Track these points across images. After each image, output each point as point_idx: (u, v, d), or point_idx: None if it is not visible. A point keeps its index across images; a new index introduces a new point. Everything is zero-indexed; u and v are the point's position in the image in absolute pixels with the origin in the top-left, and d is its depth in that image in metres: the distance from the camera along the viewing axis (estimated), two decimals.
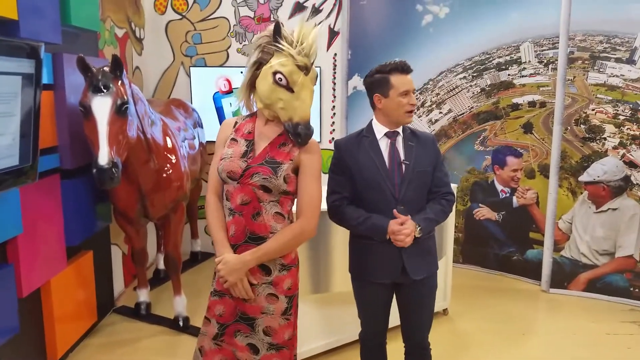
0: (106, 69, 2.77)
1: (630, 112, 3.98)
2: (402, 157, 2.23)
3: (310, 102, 1.94)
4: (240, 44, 4.96)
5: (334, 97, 5.01)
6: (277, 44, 1.89)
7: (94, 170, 2.64)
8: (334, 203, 2.26)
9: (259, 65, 1.95)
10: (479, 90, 4.67)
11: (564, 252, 4.31)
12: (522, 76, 4.44)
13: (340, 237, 2.99)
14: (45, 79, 2.61)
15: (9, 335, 2.51)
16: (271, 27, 1.92)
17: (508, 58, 4.49)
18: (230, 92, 4.91)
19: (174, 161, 3.37)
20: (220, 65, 4.98)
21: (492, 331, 3.65)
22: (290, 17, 4.84)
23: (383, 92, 2.20)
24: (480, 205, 4.78)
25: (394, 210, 2.16)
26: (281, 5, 4.88)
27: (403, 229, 2.12)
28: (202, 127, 4.52)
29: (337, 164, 2.28)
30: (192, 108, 4.50)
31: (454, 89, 4.77)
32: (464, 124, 4.79)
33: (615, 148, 4.05)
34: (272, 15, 4.90)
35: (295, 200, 2.03)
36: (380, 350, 2.46)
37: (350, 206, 2.24)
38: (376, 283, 2.27)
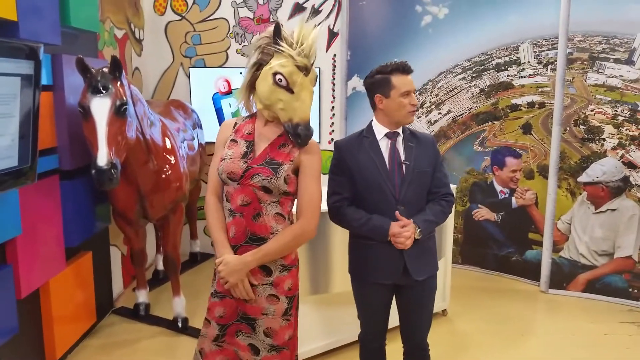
0: (105, 70, 2.77)
1: (629, 112, 3.98)
2: (403, 157, 2.23)
3: (310, 103, 1.94)
4: (240, 44, 4.96)
5: (333, 97, 5.01)
6: (277, 45, 1.89)
7: (93, 171, 2.64)
8: (335, 204, 2.26)
9: (258, 66, 1.95)
10: (478, 91, 4.68)
11: (563, 252, 4.31)
12: (521, 77, 4.44)
13: (339, 237, 3.00)
14: (44, 80, 2.61)
15: (7, 336, 2.51)
16: (271, 28, 1.92)
17: (507, 59, 4.50)
18: (229, 93, 4.91)
19: (173, 162, 3.37)
20: (220, 66, 4.98)
21: (491, 332, 3.65)
22: (289, 18, 4.84)
23: (384, 92, 2.21)
24: (479, 205, 4.79)
25: (396, 213, 2.17)
26: (280, 6, 4.89)
27: (404, 231, 2.13)
28: (201, 128, 4.52)
29: (337, 164, 2.28)
30: (192, 109, 4.50)
31: (453, 89, 4.78)
32: (463, 124, 4.79)
33: (614, 149, 4.05)
34: (271, 16, 4.90)
35: (295, 201, 2.03)
36: (380, 351, 2.46)
37: (350, 207, 2.24)
38: (377, 284, 2.27)
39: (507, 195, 4.64)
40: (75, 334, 3.30)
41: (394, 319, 2.42)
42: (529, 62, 4.39)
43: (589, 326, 3.76)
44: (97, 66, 2.83)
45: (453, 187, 2.43)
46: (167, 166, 3.33)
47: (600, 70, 4.05)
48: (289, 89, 1.88)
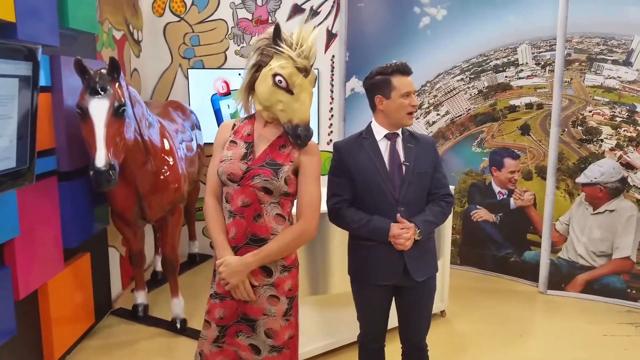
0: (103, 71, 2.77)
1: (627, 114, 3.99)
2: (402, 158, 2.24)
3: (310, 104, 1.95)
4: (238, 46, 4.96)
5: (332, 99, 5.02)
6: (276, 47, 1.90)
7: (91, 173, 2.63)
8: (335, 206, 2.26)
9: (258, 67, 1.96)
10: (477, 92, 4.68)
11: (561, 253, 4.32)
12: (520, 78, 4.45)
13: (338, 238, 3.00)
14: (42, 81, 2.60)
15: (5, 337, 2.50)
16: (270, 29, 1.92)
17: (505, 60, 4.50)
18: (228, 94, 4.91)
19: (171, 163, 3.37)
20: (218, 67, 4.99)
21: (489, 332, 3.65)
22: (288, 19, 4.85)
23: (384, 93, 2.21)
24: (477, 206, 4.79)
25: (398, 215, 2.17)
26: (279, 7, 4.89)
27: (404, 232, 2.14)
28: (199, 129, 4.52)
29: (336, 166, 2.28)
30: (190, 110, 4.50)
31: (451, 90, 4.78)
32: (461, 125, 4.80)
33: (612, 150, 4.06)
34: (269, 18, 4.91)
35: (295, 201, 2.03)
36: (379, 352, 2.46)
37: (350, 208, 2.25)
38: (376, 285, 2.27)
39: (505, 196, 4.64)
40: (74, 335, 3.30)
41: (392, 320, 2.42)
42: (527, 63, 4.40)
43: (587, 327, 3.76)
44: (95, 67, 2.83)
45: (451, 188, 2.44)
46: (165, 167, 3.33)
47: (598, 72, 4.05)
48: (288, 90, 1.89)
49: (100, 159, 2.63)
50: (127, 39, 4.45)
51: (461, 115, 4.79)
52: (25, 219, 2.64)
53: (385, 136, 2.26)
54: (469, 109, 4.74)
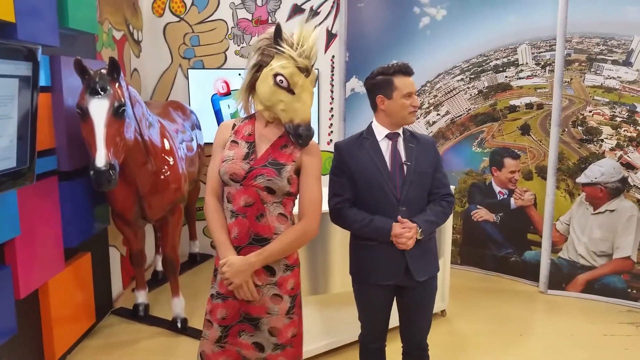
0: (103, 71, 2.77)
1: (627, 114, 3.99)
2: (404, 158, 2.24)
3: (311, 104, 1.95)
4: (238, 46, 4.97)
5: (332, 99, 5.02)
6: (277, 46, 1.90)
7: (91, 172, 2.64)
8: (336, 206, 2.27)
9: (258, 67, 1.96)
10: (477, 92, 4.68)
11: (562, 253, 4.32)
12: (520, 78, 4.45)
13: (338, 238, 3.00)
14: (42, 82, 2.61)
15: (6, 336, 2.51)
16: (271, 29, 1.92)
17: (505, 60, 4.51)
18: (228, 94, 4.91)
19: (171, 163, 3.38)
20: (218, 68, 4.99)
21: (489, 332, 3.65)
22: (288, 20, 4.85)
23: (386, 93, 2.22)
24: (478, 206, 4.79)
25: (399, 217, 2.18)
26: (279, 7, 4.89)
27: (405, 231, 2.14)
28: (200, 129, 4.52)
29: (337, 166, 2.29)
30: (190, 110, 4.50)
31: (451, 90, 4.78)
32: (461, 125, 4.80)
33: (612, 150, 4.06)
34: (269, 18, 4.91)
35: (297, 201, 2.04)
36: (380, 352, 2.46)
37: (352, 208, 2.25)
38: (378, 285, 2.27)
39: (505, 196, 4.64)
40: (75, 334, 3.30)
41: (393, 319, 2.42)
42: (527, 63, 4.40)
43: (587, 327, 3.76)
44: (95, 67, 2.83)
45: (452, 188, 2.44)
46: (165, 167, 3.33)
47: (598, 72, 4.05)
48: (289, 90, 1.89)
49: (101, 158, 2.63)
50: (127, 39, 4.46)
51: (461, 115, 4.79)
52: (25, 218, 2.64)
53: (386, 136, 2.26)
54: (469, 109, 4.74)
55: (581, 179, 4.18)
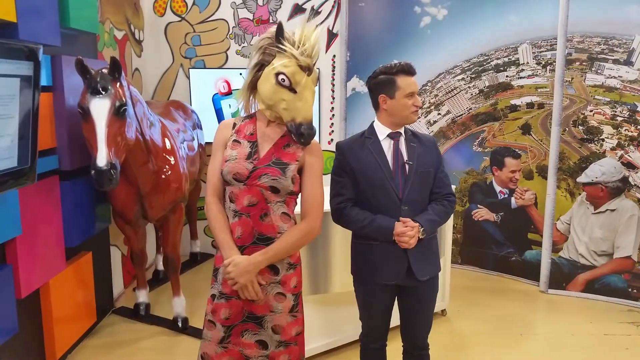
0: (104, 71, 2.78)
1: (628, 113, 3.99)
2: (405, 157, 2.24)
3: (313, 103, 1.95)
4: (240, 45, 4.97)
5: (333, 98, 5.02)
6: (279, 45, 1.90)
7: (93, 172, 2.65)
8: (338, 205, 2.27)
9: (260, 66, 1.95)
10: (477, 92, 4.68)
11: (562, 253, 4.32)
12: (520, 77, 4.45)
13: (339, 238, 3.01)
14: (44, 81, 2.62)
15: (7, 336, 2.52)
16: (272, 29, 1.93)
17: (506, 59, 4.50)
18: (229, 93, 4.92)
19: (172, 163, 3.38)
20: (220, 67, 4.99)
21: (490, 332, 3.65)
22: (289, 19, 4.85)
23: (389, 93, 2.22)
24: (478, 206, 4.79)
25: (401, 218, 2.18)
26: (280, 7, 4.90)
27: (408, 230, 2.14)
28: (201, 128, 4.53)
29: (339, 166, 2.29)
30: (191, 110, 4.50)
31: (452, 90, 4.78)
32: (462, 125, 4.80)
33: (613, 149, 4.06)
34: (270, 17, 4.91)
35: (299, 200, 2.05)
36: (381, 352, 2.46)
37: (354, 208, 2.25)
38: (380, 285, 2.28)
39: (506, 196, 4.64)
40: (76, 333, 3.31)
41: (393, 319, 2.42)
42: (527, 62, 4.40)
43: (588, 326, 3.76)
44: (96, 67, 2.84)
45: (452, 187, 2.45)
46: (166, 167, 3.33)
47: (599, 71, 4.05)
48: (291, 88, 1.89)
49: (102, 158, 2.64)
50: (128, 39, 4.46)
51: (462, 114, 4.79)
52: (27, 218, 2.65)
53: (388, 135, 2.27)
54: (470, 109, 4.74)
55: (582, 178, 4.18)
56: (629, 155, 4.01)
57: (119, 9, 4.25)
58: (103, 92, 2.71)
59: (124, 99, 2.78)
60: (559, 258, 4.33)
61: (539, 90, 4.36)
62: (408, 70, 2.23)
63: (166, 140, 3.39)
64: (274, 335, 2.01)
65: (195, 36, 4.98)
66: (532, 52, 4.35)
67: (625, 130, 4.00)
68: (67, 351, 3.21)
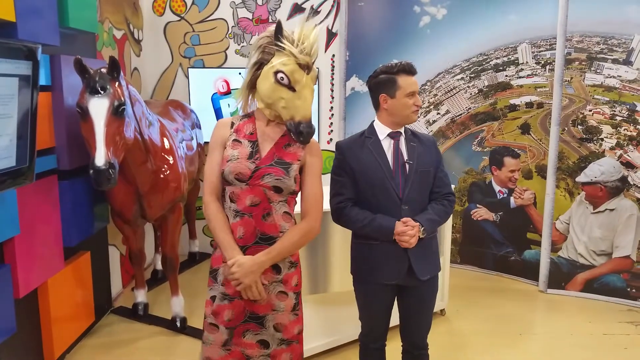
0: (103, 70, 2.77)
1: (627, 112, 3.99)
2: (406, 157, 2.24)
3: (312, 101, 1.94)
4: (239, 45, 4.97)
5: (332, 98, 5.02)
6: (278, 43, 1.89)
7: (91, 171, 2.64)
8: (338, 205, 2.27)
9: (259, 65, 1.95)
10: (477, 91, 4.68)
11: (562, 252, 4.32)
12: (520, 77, 4.45)
13: (338, 237, 3.01)
14: (42, 81, 2.61)
15: (5, 335, 2.51)
16: (271, 27, 1.92)
17: (505, 59, 4.50)
18: (228, 93, 4.92)
19: (171, 162, 3.38)
20: (219, 67, 4.99)
21: (489, 331, 3.65)
22: (288, 19, 4.85)
23: (389, 92, 2.22)
24: (477, 205, 4.79)
25: (403, 219, 2.18)
26: (279, 6, 4.89)
27: (408, 229, 2.14)
28: (200, 128, 4.52)
29: (339, 165, 2.29)
30: (190, 109, 4.50)
31: (451, 90, 4.78)
32: (461, 124, 4.80)
33: (612, 149, 4.06)
34: (270, 17, 4.91)
35: (298, 199, 2.05)
36: (380, 352, 2.46)
37: (354, 208, 2.25)
38: (380, 284, 2.28)
39: (505, 195, 4.64)
40: (74, 333, 3.31)
41: (393, 318, 2.42)
42: (527, 62, 4.40)
43: (587, 326, 3.76)
44: (95, 67, 2.84)
45: (452, 187, 2.45)
46: (165, 166, 3.33)
47: (598, 71, 4.05)
48: (290, 87, 1.88)
49: (100, 157, 2.63)
50: (127, 38, 4.46)
51: (461, 114, 4.79)
52: (25, 217, 2.64)
53: (388, 135, 2.27)
54: (469, 108, 4.74)
55: (581, 178, 4.18)
56: (628, 155, 4.01)
57: (118, 9, 4.24)
58: (102, 92, 2.71)
59: (122, 99, 2.77)
60: (558, 258, 4.33)
61: (538, 89, 4.36)
62: (409, 70, 2.23)
63: (165, 139, 3.39)
64: (276, 334, 2.00)
65: (195, 36, 4.97)
66: (532, 52, 4.35)
67: (625, 129, 4.00)
68: (66, 351, 3.20)
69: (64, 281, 3.12)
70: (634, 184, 4.01)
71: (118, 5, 4.25)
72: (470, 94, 4.71)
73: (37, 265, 2.80)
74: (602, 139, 4.09)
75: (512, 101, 4.51)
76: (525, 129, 4.46)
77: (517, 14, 4.39)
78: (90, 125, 2.68)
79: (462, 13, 4.60)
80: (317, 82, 4.86)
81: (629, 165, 4.02)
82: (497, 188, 4.68)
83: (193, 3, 4.91)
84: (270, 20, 4.90)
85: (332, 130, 5.05)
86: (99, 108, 2.69)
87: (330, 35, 4.94)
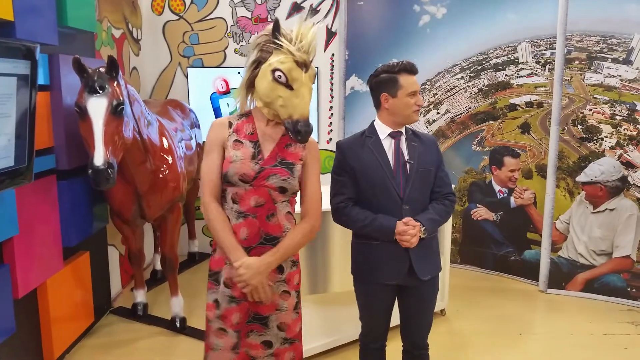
0: (102, 69, 2.77)
1: (627, 112, 3.98)
2: (406, 156, 2.24)
3: (310, 100, 1.93)
4: (238, 44, 4.96)
5: (332, 97, 5.01)
6: (276, 41, 1.88)
7: (90, 171, 2.63)
8: (339, 205, 2.26)
9: (257, 64, 1.94)
10: (477, 91, 4.68)
11: (562, 252, 4.31)
12: (520, 76, 4.44)
13: (338, 237, 3.00)
14: (41, 80, 2.60)
15: (4, 336, 2.51)
16: (270, 26, 1.91)
17: (505, 58, 4.50)
18: (227, 92, 4.91)
19: (170, 162, 3.37)
20: (218, 66, 4.98)
21: (489, 331, 3.65)
22: (287, 18, 4.84)
23: (391, 92, 2.21)
24: (477, 205, 4.78)
25: (404, 219, 2.17)
26: (278, 5, 4.88)
27: (409, 229, 2.13)
28: (199, 127, 4.51)
29: (339, 165, 2.28)
30: (189, 109, 4.49)
31: (451, 89, 4.77)
32: (461, 124, 4.79)
33: (612, 148, 4.05)
34: (269, 16, 4.90)
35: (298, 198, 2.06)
36: (380, 352, 2.46)
37: (355, 207, 2.24)
38: (381, 284, 2.27)
39: (505, 195, 4.64)
40: (73, 333, 3.30)
41: (393, 318, 2.41)
42: (527, 61, 4.39)
43: (587, 325, 3.76)
44: (94, 66, 2.83)
45: (452, 186, 2.44)
46: (164, 166, 3.32)
47: (598, 70, 4.05)
48: (288, 85, 1.87)
49: (99, 157, 2.62)
50: (126, 38, 4.45)
51: (461, 113, 4.78)
52: (24, 217, 2.63)
53: (389, 134, 2.26)
54: (469, 108, 4.74)
55: (581, 177, 4.18)
56: (628, 155, 4.00)
57: (116, 8, 4.23)
58: (100, 91, 2.70)
59: (121, 98, 2.76)
60: (558, 257, 4.33)
61: (538, 89, 4.35)
62: (410, 69, 2.22)
63: (164, 139, 3.38)
64: (279, 333, 2.01)
65: (194, 35, 4.96)
66: (532, 51, 4.35)
67: (625, 129, 4.00)
68: (65, 351, 3.19)
69: (63, 281, 3.11)
70: (634, 184, 4.01)
71: (117, 4, 4.23)
72: (470, 93, 4.71)
73: (36, 266, 2.79)
74: (602, 139, 4.08)
75: (512, 100, 4.51)
76: (525, 128, 4.45)
77: (517, 13, 4.38)
78: (88, 124, 2.67)
79: (461, 12, 4.59)
80: (317, 82, 4.87)
81: (629, 164, 4.01)
82: (497, 188, 4.67)
83: (192, 2, 4.90)
84: (269, 20, 4.89)
85: (331, 130, 5.04)
86: (97, 107, 2.68)
87: (330, 35, 4.93)
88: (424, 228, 2.16)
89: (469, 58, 4.66)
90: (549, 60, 4.25)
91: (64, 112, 2.93)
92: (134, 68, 4.69)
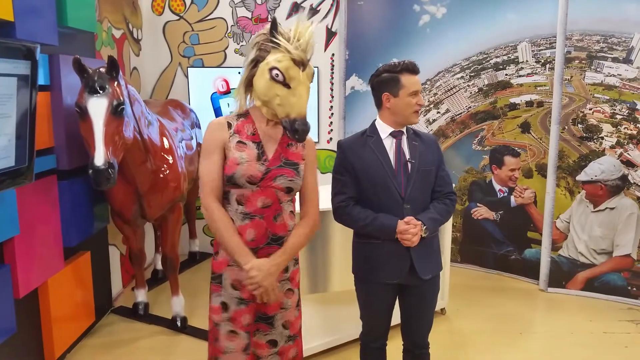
0: (102, 70, 2.77)
1: (627, 111, 3.98)
2: (408, 156, 2.24)
3: (307, 98, 1.92)
4: (238, 44, 4.96)
5: (332, 97, 5.01)
6: (273, 39, 1.88)
7: (90, 171, 2.63)
8: (340, 204, 2.26)
9: (256, 63, 1.94)
10: (477, 90, 4.68)
11: (562, 251, 4.31)
12: (520, 76, 4.44)
13: (338, 237, 3.01)
14: (41, 80, 2.61)
15: (5, 335, 2.51)
16: (268, 25, 1.92)
17: (505, 58, 4.50)
18: (228, 92, 4.91)
19: (170, 162, 3.37)
20: (218, 66, 4.98)
21: (490, 330, 3.65)
22: (287, 18, 4.84)
23: (392, 91, 2.21)
24: (478, 204, 4.79)
25: (406, 218, 2.18)
26: (279, 5, 4.89)
27: (410, 228, 2.14)
28: (199, 127, 4.51)
29: (341, 164, 2.28)
30: (190, 109, 4.49)
31: (451, 89, 4.78)
32: (461, 123, 4.79)
33: (612, 147, 4.05)
34: (269, 16, 4.90)
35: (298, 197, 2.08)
36: (381, 351, 2.46)
37: (356, 207, 2.25)
38: (382, 284, 2.27)
39: (506, 194, 4.64)
40: (74, 333, 3.30)
41: (394, 317, 2.41)
42: (527, 61, 4.39)
43: (587, 324, 3.76)
44: (94, 66, 2.83)
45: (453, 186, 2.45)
46: (164, 166, 3.33)
47: (598, 69, 4.05)
48: (285, 84, 1.86)
49: (99, 157, 2.63)
50: (126, 38, 4.45)
51: (461, 113, 4.78)
52: (25, 217, 2.64)
53: (390, 134, 2.26)
54: (469, 107, 4.74)
55: (581, 176, 4.18)
56: (628, 154, 4.00)
57: (117, 8, 4.23)
58: (101, 91, 2.70)
59: (121, 98, 2.77)
60: (559, 256, 4.33)
61: (539, 88, 4.35)
62: (412, 69, 2.22)
63: (164, 139, 3.38)
64: (284, 331, 2.03)
65: (194, 35, 4.97)
66: (532, 51, 4.35)
67: (625, 128, 4.00)
68: (66, 351, 3.20)
69: (64, 281, 3.12)
70: (634, 183, 4.01)
71: (117, 4, 4.24)
72: (470, 92, 4.71)
73: (37, 266, 2.80)
74: (602, 138, 4.08)
75: (512, 100, 4.51)
76: (525, 127, 4.46)
77: (517, 13, 4.38)
78: (89, 125, 2.68)
79: (461, 12, 4.59)
80: (317, 82, 4.87)
81: (629, 163, 4.01)
82: (497, 187, 4.68)
83: (192, 2, 4.91)
84: (269, 20, 4.88)
85: (332, 130, 5.04)
86: (98, 108, 2.69)
87: (330, 34, 4.94)
88: (425, 227, 2.16)
89: (469, 57, 4.66)
90: (549, 60, 4.25)
91: (64, 112, 2.94)
92: (135, 68, 4.69)
